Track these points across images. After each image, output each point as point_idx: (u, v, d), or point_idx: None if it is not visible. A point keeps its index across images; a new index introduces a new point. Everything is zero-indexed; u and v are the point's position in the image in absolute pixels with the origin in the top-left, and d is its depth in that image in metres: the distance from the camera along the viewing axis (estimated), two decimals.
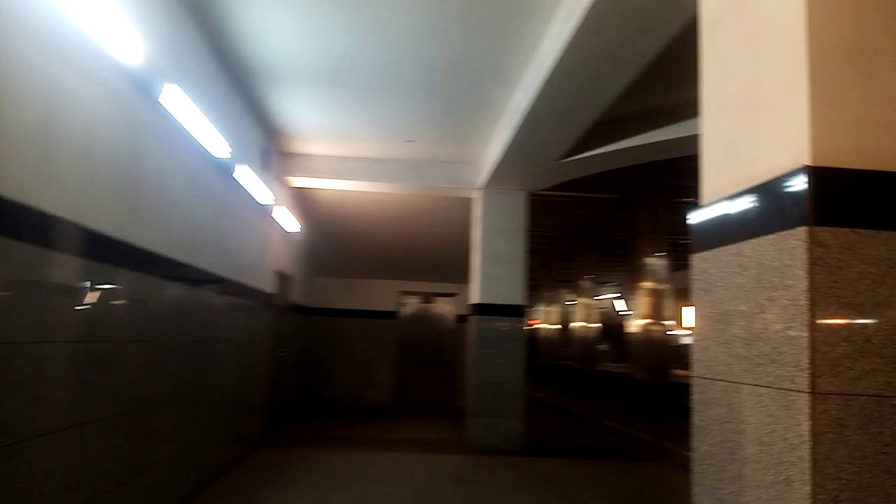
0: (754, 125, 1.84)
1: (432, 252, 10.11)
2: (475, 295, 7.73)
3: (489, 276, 7.60)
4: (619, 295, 45.25)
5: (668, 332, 21.39)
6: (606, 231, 27.11)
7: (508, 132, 5.93)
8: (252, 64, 5.28)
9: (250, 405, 6.77)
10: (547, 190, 19.76)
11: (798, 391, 1.56)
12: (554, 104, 5.09)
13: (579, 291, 28.02)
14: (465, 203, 8.27)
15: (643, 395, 20.53)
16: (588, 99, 5.01)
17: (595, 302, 28.23)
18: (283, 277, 8.21)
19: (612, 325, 45.56)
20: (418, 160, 7.72)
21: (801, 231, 1.60)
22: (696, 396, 2.07)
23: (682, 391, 18.61)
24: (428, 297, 11.21)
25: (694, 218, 2.16)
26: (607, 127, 6.12)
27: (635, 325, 21.53)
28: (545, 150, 6.20)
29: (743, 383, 1.80)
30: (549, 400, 22.29)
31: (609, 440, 10.56)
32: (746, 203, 1.87)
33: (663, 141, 5.93)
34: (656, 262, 21.25)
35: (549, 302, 34.55)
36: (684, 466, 8.61)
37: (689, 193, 20.68)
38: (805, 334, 1.56)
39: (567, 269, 30.73)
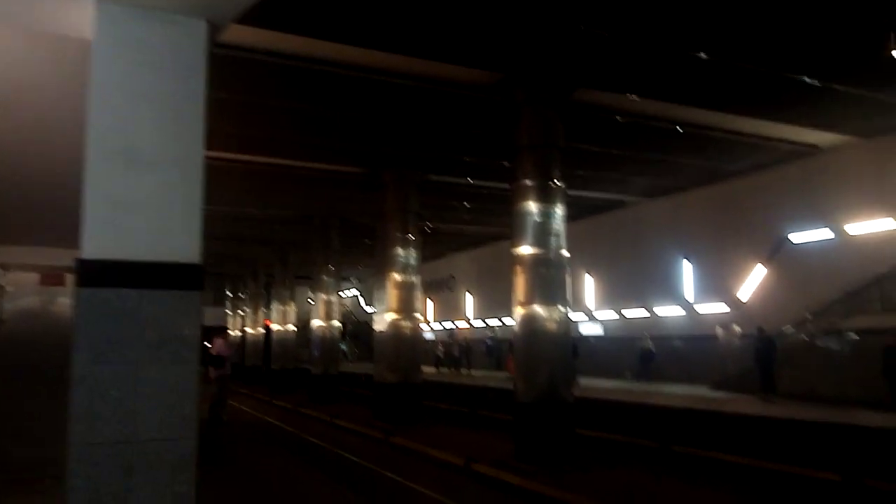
0: None
1: (56, 183, 5.29)
2: (85, 245, 3.23)
3: (114, 199, 3.16)
4: (363, 289, 42.05)
5: (417, 328, 18.19)
6: (351, 214, 23.39)
7: None
8: None
9: None
10: (281, 158, 15.02)
11: None
12: None
13: (319, 287, 23.94)
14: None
15: (391, 399, 17.04)
16: None
17: (337, 298, 24.38)
18: None
19: (356, 323, 42.20)
20: None
21: None
22: None
23: (432, 392, 15.27)
24: (55, 276, 6.09)
25: None
26: None
27: (382, 321, 18.02)
28: None
29: None
30: (275, 423, 17.25)
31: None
32: None
33: None
34: (405, 251, 17.96)
35: (286, 300, 29.90)
36: None
37: (443, 168, 17.62)
38: None
39: (306, 262, 26.46)
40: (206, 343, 16.73)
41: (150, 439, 3.12)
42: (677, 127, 14.23)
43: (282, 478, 8.10)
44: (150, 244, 3.20)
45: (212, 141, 11.83)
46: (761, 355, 14.38)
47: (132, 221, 3.18)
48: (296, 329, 29.54)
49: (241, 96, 12.64)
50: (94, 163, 3.16)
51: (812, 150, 16.24)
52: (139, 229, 3.19)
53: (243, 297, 37.35)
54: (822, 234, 16.61)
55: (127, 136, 3.22)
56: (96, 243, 3.13)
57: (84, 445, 3.00)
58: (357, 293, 43.72)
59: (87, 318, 3.06)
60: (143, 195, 3.21)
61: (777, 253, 17.61)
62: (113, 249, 3.13)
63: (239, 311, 38.49)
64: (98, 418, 3.03)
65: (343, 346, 35.82)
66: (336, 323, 23.32)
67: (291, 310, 29.24)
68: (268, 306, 33.30)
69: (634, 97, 12.51)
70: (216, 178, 17.71)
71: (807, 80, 11.61)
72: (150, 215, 3.22)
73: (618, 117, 13.50)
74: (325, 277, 23.12)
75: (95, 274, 3.10)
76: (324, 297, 23.02)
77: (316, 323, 23.09)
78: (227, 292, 40.56)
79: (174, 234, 3.27)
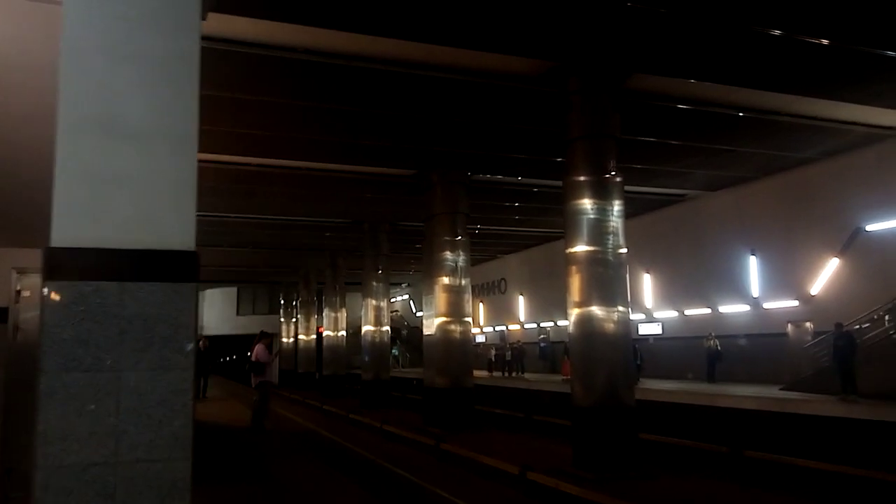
0: None
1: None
2: (55, 230, 2.75)
3: (90, 176, 2.68)
4: (413, 294, 41.70)
5: (468, 332, 17.54)
6: (400, 218, 22.96)
7: None
8: None
9: None
10: (328, 162, 14.62)
11: None
12: None
13: (369, 292, 23.60)
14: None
15: (442, 404, 16.44)
16: None
17: (387, 303, 23.98)
18: None
19: (410, 328, 41.86)
20: None
21: None
22: None
23: (484, 396, 14.60)
24: None
25: None
26: None
27: (431, 325, 17.46)
28: None
29: None
30: (321, 431, 16.35)
31: None
32: None
33: None
34: (453, 254, 17.36)
35: (337, 306, 29.68)
36: None
37: (492, 166, 16.99)
38: None
39: (357, 267, 26.13)
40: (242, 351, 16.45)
41: (136, 461, 2.60)
42: (739, 113, 13.26)
43: (316, 495, 7.61)
44: (134, 228, 2.69)
45: (258, 147, 11.50)
46: (840, 353, 13.24)
47: (112, 202, 2.68)
48: (346, 335, 29.31)
49: (282, 99, 12.32)
50: (66, 134, 2.67)
51: (889, 132, 14.99)
52: (120, 211, 2.68)
53: (295, 304, 37.47)
54: None
55: (104, 103, 2.72)
56: (68, 228, 2.63)
57: (54, 469, 2.50)
58: (408, 298, 43.43)
59: (57, 317, 2.56)
60: (125, 171, 2.71)
61: (851, 244, 16.34)
62: (89, 235, 2.63)
63: (292, 319, 38.65)
64: (72, 437, 2.53)
65: (395, 351, 35.45)
66: (386, 328, 22.91)
67: (342, 316, 29.02)
68: (319, 313, 33.22)
69: (694, 81, 11.64)
70: (264, 186, 17.59)
71: (888, 53, 10.54)
72: (133, 195, 2.71)
73: (677, 105, 12.63)
74: (374, 283, 22.76)
75: (67, 264, 2.60)
76: (373, 302, 22.65)
77: (366, 328, 22.74)
78: (281, 300, 40.81)
79: (163, 217, 2.75)
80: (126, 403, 2.61)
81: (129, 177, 2.69)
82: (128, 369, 2.61)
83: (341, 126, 13.83)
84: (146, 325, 2.64)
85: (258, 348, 13.59)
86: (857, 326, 14.73)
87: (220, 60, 9.86)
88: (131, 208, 2.69)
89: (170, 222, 2.74)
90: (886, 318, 14.57)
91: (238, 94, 11.66)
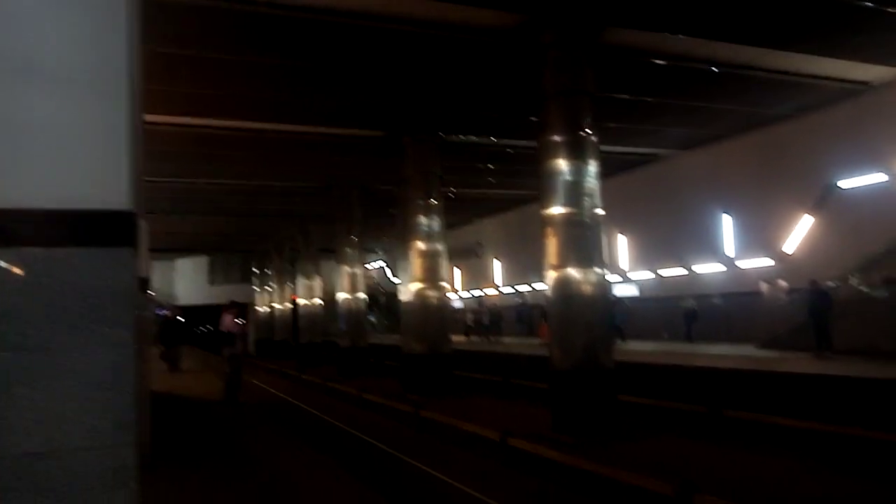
0: None
1: None
2: None
3: (5, 127, 2.35)
4: (389, 260, 41.40)
5: (444, 297, 17.34)
6: (371, 182, 22.48)
7: None
8: None
9: None
10: (292, 124, 14.07)
11: None
12: None
13: (343, 259, 23.26)
14: None
15: (420, 371, 16.30)
16: None
17: (362, 270, 23.67)
18: None
19: (388, 294, 41.62)
20: None
21: None
22: None
23: (462, 361, 14.41)
24: None
25: None
26: None
27: (407, 291, 17.22)
28: None
29: None
30: (296, 402, 16.05)
31: None
32: None
33: None
34: (428, 218, 17.01)
35: (311, 274, 29.31)
36: None
37: (465, 126, 16.60)
38: None
39: (329, 234, 25.67)
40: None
41: (76, 449, 2.30)
42: (713, 68, 13.01)
43: (288, 472, 7.39)
44: (58, 186, 2.35)
45: (219, 108, 10.88)
46: (815, 309, 13.29)
47: (30, 155, 2.33)
48: (322, 303, 29.00)
49: (242, 56, 11.78)
50: None
51: (863, 87, 14.89)
52: (41, 166, 2.34)
53: (269, 272, 36.96)
54: (875, 178, 15.33)
55: (18, 43, 2.35)
56: None
57: None
58: (385, 264, 43.10)
59: None
60: (45, 120, 2.35)
61: (825, 201, 16.36)
62: (4, 194, 2.29)
63: (266, 287, 38.17)
64: (0, 426, 2.22)
65: (372, 318, 35.26)
66: (362, 295, 22.65)
67: (317, 284, 28.68)
68: (294, 281, 32.81)
69: (669, 35, 11.35)
70: (229, 150, 17.02)
71: (863, 4, 10.32)
72: (55, 147, 2.36)
73: (651, 60, 12.34)
74: (348, 249, 22.42)
75: None
76: (348, 269, 22.34)
77: (341, 296, 22.46)
78: (254, 269, 40.25)
79: (92, 172, 2.41)
80: (60, 386, 2.30)
81: (49, 126, 2.34)
82: (59, 347, 2.30)
83: (306, 85, 13.34)
84: (78, 297, 2.32)
85: (227, 319, 13.21)
86: (831, 284, 14.80)
87: (176, 14, 9.31)
88: (53, 162, 2.34)
89: (101, 178, 2.40)
90: (857, 274, 14.63)
91: (197, 52, 11.11)
